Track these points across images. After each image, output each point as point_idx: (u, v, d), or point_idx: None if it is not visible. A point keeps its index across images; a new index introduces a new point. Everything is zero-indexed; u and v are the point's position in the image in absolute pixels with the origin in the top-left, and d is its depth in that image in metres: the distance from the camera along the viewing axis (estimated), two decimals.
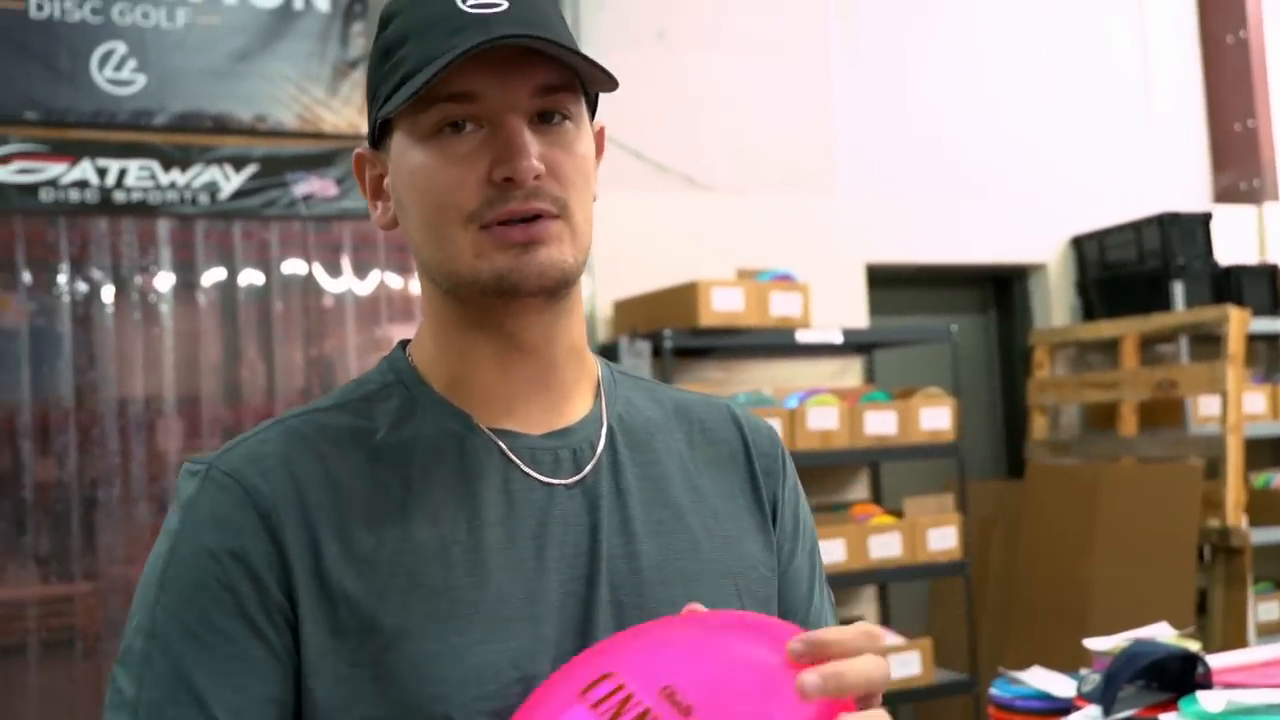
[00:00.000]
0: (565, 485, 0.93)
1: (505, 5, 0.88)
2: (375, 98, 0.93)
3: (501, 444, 0.93)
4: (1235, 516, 3.78)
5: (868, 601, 4.16)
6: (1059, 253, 4.74)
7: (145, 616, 0.86)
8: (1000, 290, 4.97)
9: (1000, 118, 4.67)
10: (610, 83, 0.90)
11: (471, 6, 0.87)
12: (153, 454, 3.63)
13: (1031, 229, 4.70)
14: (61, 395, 3.55)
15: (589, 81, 0.91)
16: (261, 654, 0.83)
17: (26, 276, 3.54)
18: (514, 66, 0.86)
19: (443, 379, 0.95)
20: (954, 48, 4.62)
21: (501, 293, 0.88)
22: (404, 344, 1.00)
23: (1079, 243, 4.69)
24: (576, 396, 0.98)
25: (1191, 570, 3.75)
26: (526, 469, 0.92)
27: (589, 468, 0.95)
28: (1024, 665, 2.10)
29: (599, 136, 0.98)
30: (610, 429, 0.98)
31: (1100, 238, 4.57)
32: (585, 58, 0.86)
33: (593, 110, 0.97)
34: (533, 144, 0.87)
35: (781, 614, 1.02)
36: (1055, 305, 4.73)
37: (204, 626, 0.83)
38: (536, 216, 0.87)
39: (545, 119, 0.89)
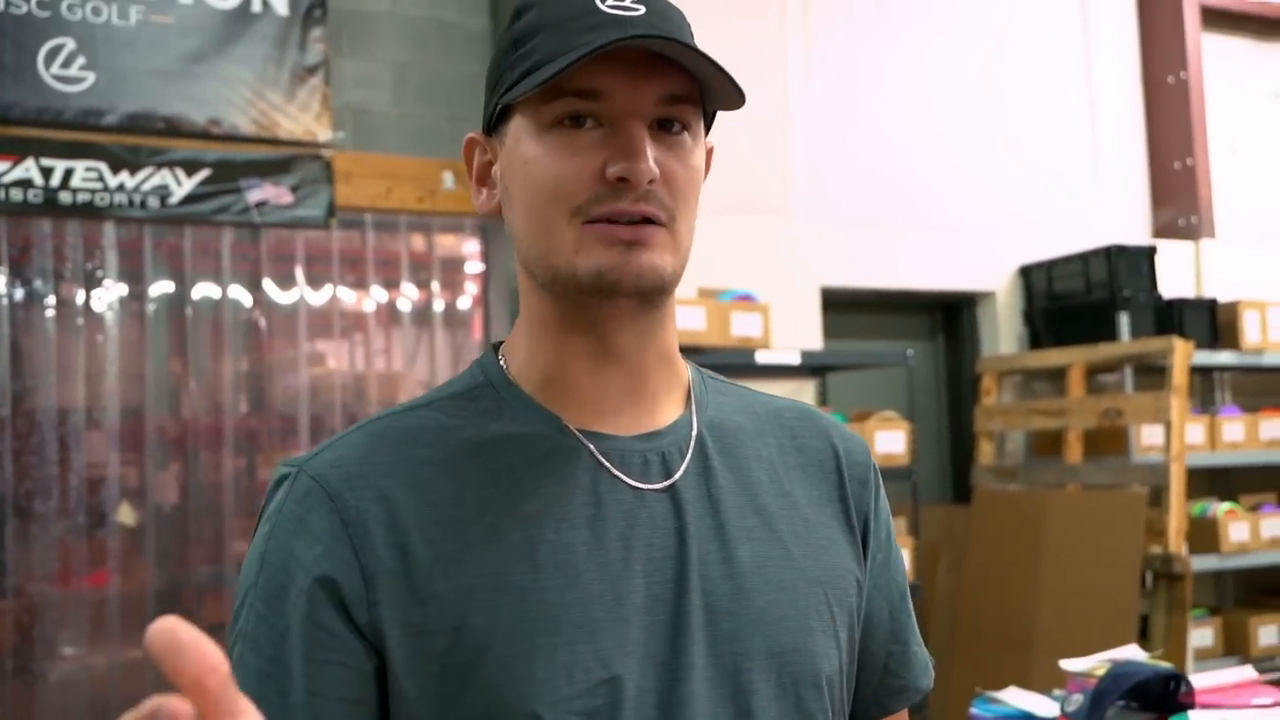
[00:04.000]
0: (654, 490, 0.93)
1: (642, 10, 0.88)
2: (498, 85, 0.93)
3: (591, 446, 0.93)
4: (1177, 544, 3.86)
5: None
6: (1007, 282, 4.82)
7: (243, 619, 0.88)
8: (949, 317, 5.03)
9: (951, 149, 4.76)
10: (739, 98, 0.90)
11: (609, 6, 0.88)
12: (91, 465, 3.51)
13: (980, 258, 4.77)
14: None
15: (715, 96, 0.92)
16: (339, 658, 0.85)
17: None
18: (643, 71, 0.87)
19: (534, 380, 0.95)
20: (907, 81, 4.70)
21: (598, 290, 0.88)
22: (496, 347, 1.00)
23: (1027, 272, 4.77)
24: (667, 402, 0.98)
25: (1135, 596, 3.81)
26: (615, 471, 0.93)
27: (679, 473, 0.94)
28: (969, 688, 2.12)
29: (709, 154, 0.99)
30: (700, 435, 0.98)
31: (1048, 268, 4.66)
32: (720, 67, 0.86)
33: (708, 127, 0.97)
34: (651, 148, 0.87)
35: (871, 625, 1.03)
36: (1003, 333, 4.81)
37: (289, 632, 0.85)
38: (644, 220, 0.88)
39: (665, 127, 0.89)
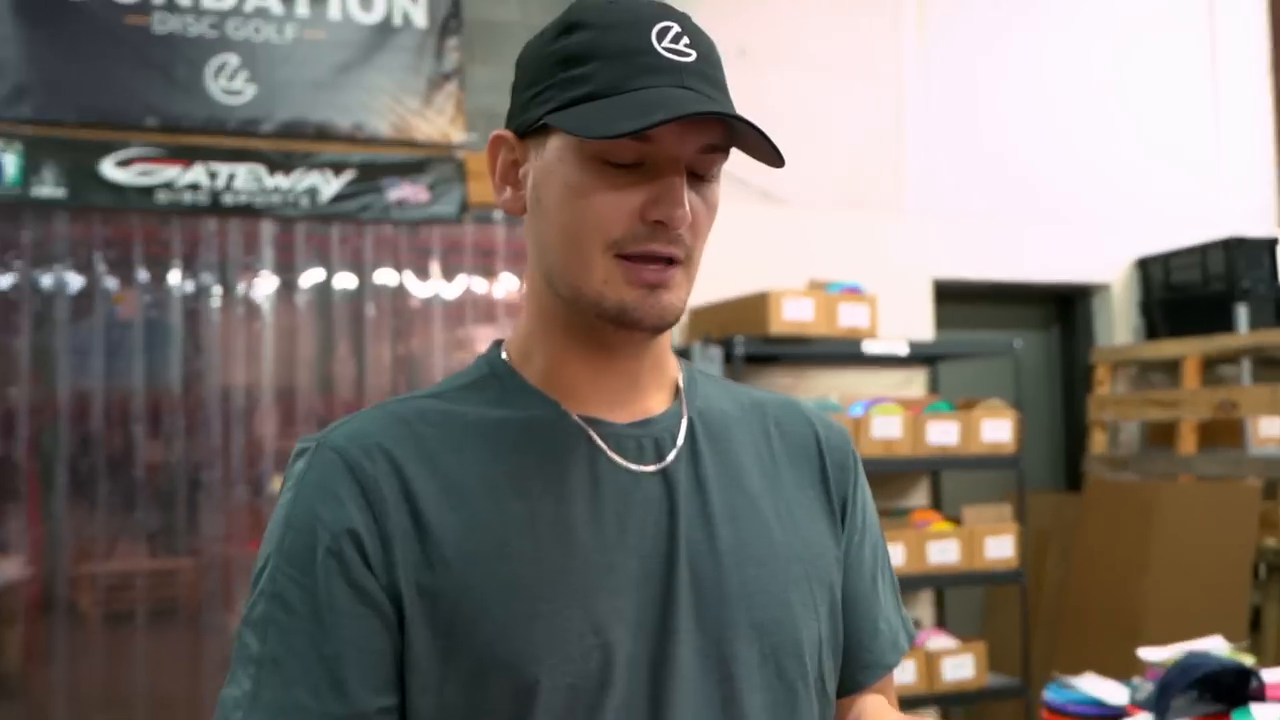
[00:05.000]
0: (648, 472, 0.98)
1: (694, 56, 0.92)
2: (538, 93, 0.95)
3: (590, 430, 0.98)
4: None
5: (925, 605, 4.29)
6: (1124, 273, 4.80)
7: (266, 580, 0.93)
8: (1064, 308, 5.03)
9: (1069, 140, 4.74)
10: (778, 159, 0.93)
11: (665, 48, 0.91)
12: (251, 440, 3.87)
13: (1097, 250, 4.76)
14: (171, 383, 3.81)
15: (749, 148, 0.95)
16: (365, 611, 0.90)
17: (142, 273, 3.80)
18: (691, 123, 0.90)
19: (536, 371, 1.01)
20: (1026, 71, 4.72)
21: (619, 323, 0.94)
22: (499, 343, 1.05)
23: (1144, 264, 4.75)
24: (657, 394, 1.03)
25: (1246, 588, 3.83)
26: (612, 454, 0.98)
27: (670, 457, 1.00)
28: (1075, 674, 2.15)
29: None
30: (690, 422, 1.03)
31: (1165, 260, 4.64)
32: (769, 139, 0.91)
33: None
34: (688, 196, 0.92)
35: (848, 600, 1.07)
36: (1118, 324, 4.79)
37: (317, 588, 0.90)
38: (668, 260, 0.93)
39: (697, 174, 0.94)
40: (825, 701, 1.04)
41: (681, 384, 1.06)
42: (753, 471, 1.04)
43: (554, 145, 0.94)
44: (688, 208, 0.91)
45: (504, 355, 1.03)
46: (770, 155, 0.93)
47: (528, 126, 0.96)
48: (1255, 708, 1.71)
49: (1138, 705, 1.86)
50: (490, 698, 0.90)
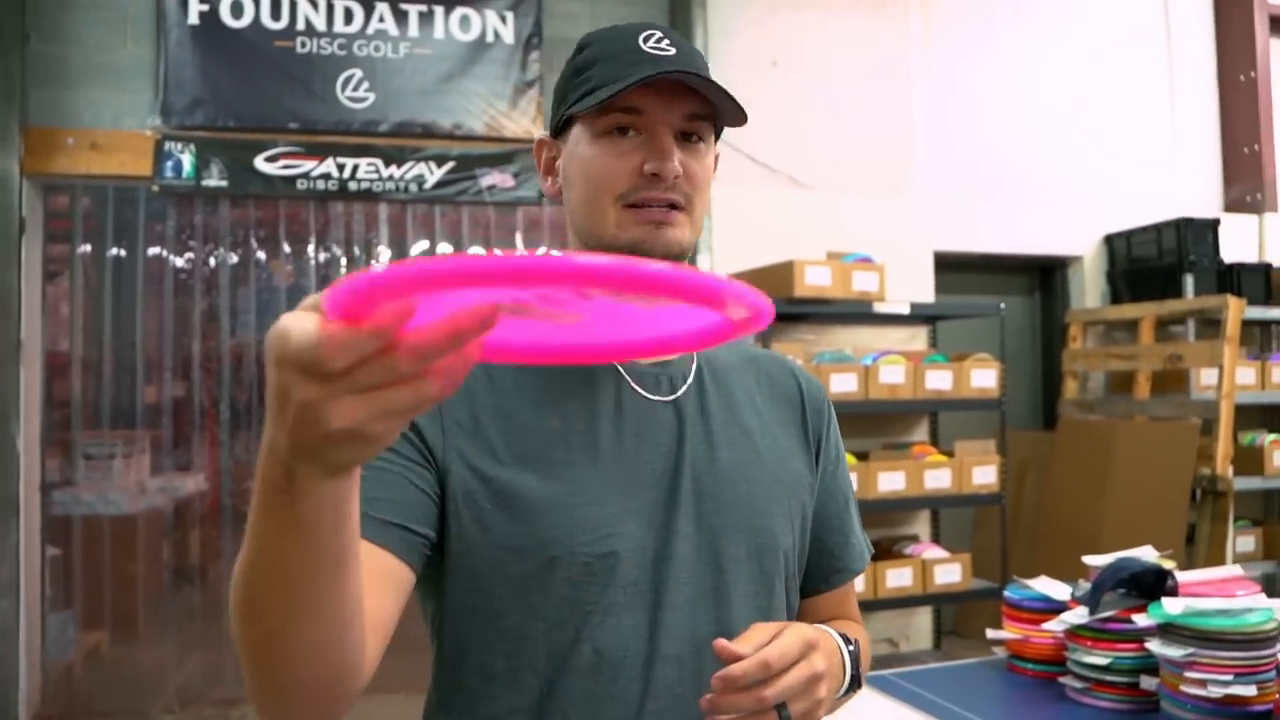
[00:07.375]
0: (662, 401, 1.11)
1: (673, 51, 1.06)
2: (563, 100, 1.11)
3: (618, 367, 1.11)
4: (1223, 467, 4.32)
5: (922, 523, 4.81)
6: (1093, 248, 5.21)
7: None
8: (1044, 276, 5.45)
9: (1051, 136, 5.15)
10: (741, 116, 1.08)
11: (650, 47, 1.06)
12: None
13: (1072, 228, 5.17)
14: None
15: (724, 115, 1.09)
16: (420, 471, 1.02)
17: (286, 247, 4.49)
18: (673, 96, 1.05)
19: None
20: (1014, 77, 5.14)
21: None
22: None
23: (1110, 240, 5.17)
24: None
25: (1185, 508, 4.27)
26: (635, 386, 1.10)
27: (681, 391, 1.12)
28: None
29: (716, 159, 1.18)
30: (699, 366, 1.15)
31: (1128, 236, 5.06)
32: (729, 95, 1.05)
33: (717, 136, 1.16)
34: (676, 152, 1.06)
35: (820, 520, 1.20)
36: (1089, 290, 5.19)
37: (386, 452, 1.01)
38: (670, 205, 1.06)
39: (686, 137, 1.08)
40: (794, 595, 1.18)
41: None
42: (747, 409, 1.17)
43: (574, 134, 1.10)
44: (676, 162, 1.05)
45: None
46: (738, 115, 1.08)
47: (558, 124, 1.13)
48: (1166, 601, 1.81)
49: (1076, 600, 1.97)
50: (519, 566, 1.02)
